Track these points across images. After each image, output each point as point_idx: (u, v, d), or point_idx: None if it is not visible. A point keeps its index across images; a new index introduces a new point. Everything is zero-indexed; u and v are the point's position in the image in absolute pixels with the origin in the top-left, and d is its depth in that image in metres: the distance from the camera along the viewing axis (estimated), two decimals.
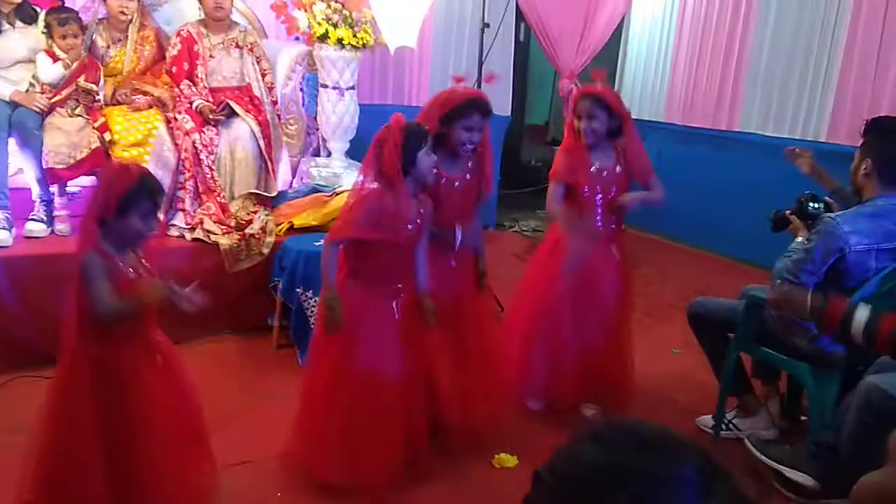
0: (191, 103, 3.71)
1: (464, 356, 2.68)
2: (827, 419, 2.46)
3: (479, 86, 4.24)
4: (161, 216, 3.58)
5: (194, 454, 2.17)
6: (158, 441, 2.03)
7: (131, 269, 2.02)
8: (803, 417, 2.89)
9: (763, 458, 2.53)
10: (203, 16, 3.87)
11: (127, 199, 1.93)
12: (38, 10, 3.66)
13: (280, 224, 3.74)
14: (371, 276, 2.40)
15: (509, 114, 6.01)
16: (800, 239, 2.56)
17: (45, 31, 3.54)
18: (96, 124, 3.51)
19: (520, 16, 5.73)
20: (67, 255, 3.27)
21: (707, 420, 2.92)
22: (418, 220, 2.42)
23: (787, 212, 2.71)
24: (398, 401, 2.40)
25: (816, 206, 2.66)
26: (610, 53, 6.09)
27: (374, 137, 2.37)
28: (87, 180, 3.64)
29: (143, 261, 2.09)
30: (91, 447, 1.97)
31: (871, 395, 2.17)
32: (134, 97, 3.73)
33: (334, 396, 2.38)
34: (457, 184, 2.66)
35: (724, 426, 2.84)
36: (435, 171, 2.52)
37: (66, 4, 3.73)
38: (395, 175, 2.29)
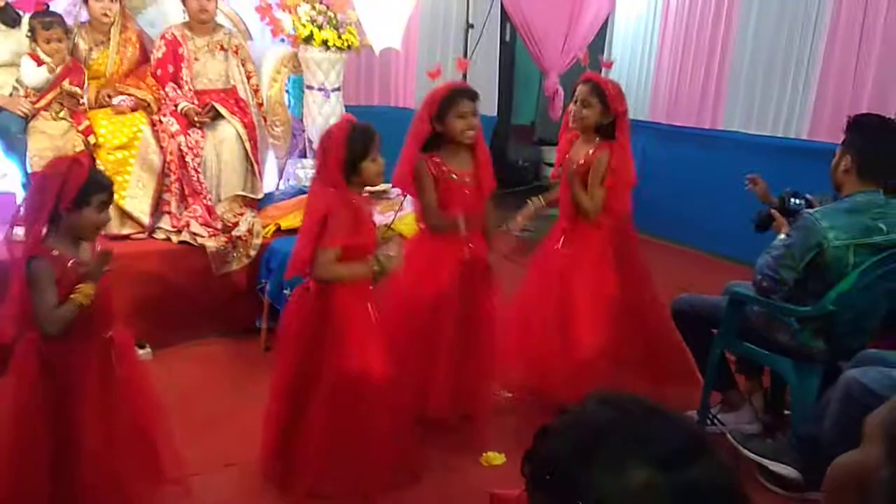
0: (176, 106, 3.71)
1: (470, 351, 2.72)
2: (809, 412, 2.49)
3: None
4: (147, 219, 3.59)
5: (151, 459, 2.15)
6: (103, 443, 2.00)
7: (81, 266, 1.98)
8: (786, 412, 2.93)
9: (745, 451, 2.56)
10: (187, 18, 3.86)
11: (85, 189, 1.92)
12: (20, 13, 3.65)
13: (267, 226, 3.74)
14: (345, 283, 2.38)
15: (495, 114, 6.04)
16: (782, 235, 2.59)
17: (29, 34, 3.54)
18: (81, 127, 3.50)
19: (505, 16, 5.76)
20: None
21: (692, 415, 2.93)
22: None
23: (770, 210, 2.75)
24: (382, 402, 2.38)
25: (797, 202, 2.70)
26: (594, 53, 6.11)
27: (319, 142, 2.38)
28: None
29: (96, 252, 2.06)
30: (39, 444, 1.96)
31: (850, 390, 2.20)
32: (118, 98, 3.72)
33: (317, 402, 2.34)
34: (467, 180, 2.71)
35: (708, 421, 2.87)
36: (445, 168, 2.64)
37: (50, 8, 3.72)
38: (338, 184, 2.29)
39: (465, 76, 3.33)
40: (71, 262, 1.96)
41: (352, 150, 2.28)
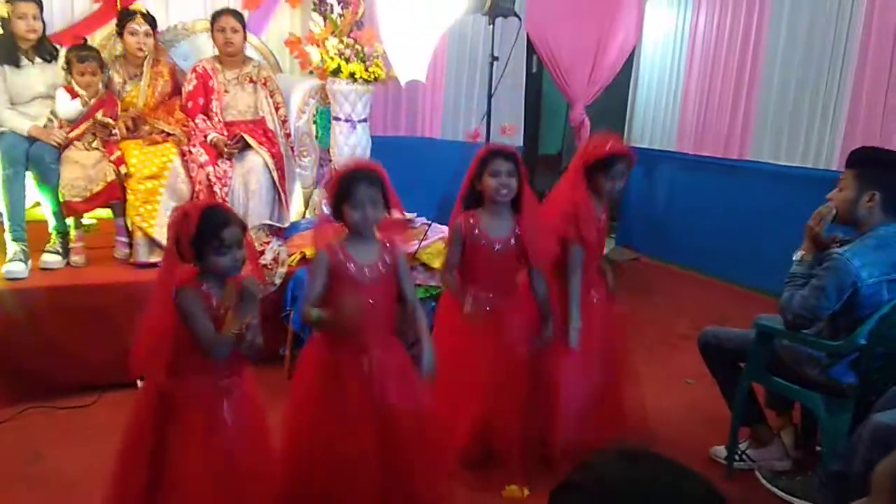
0: (205, 137, 3.78)
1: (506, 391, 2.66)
2: (840, 448, 2.42)
3: (489, 119, 4.30)
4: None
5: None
6: (192, 484, 1.98)
7: (222, 308, 2.01)
8: (819, 448, 2.85)
9: (774, 489, 2.50)
10: (218, 52, 3.96)
11: (196, 243, 1.93)
12: (57, 47, 3.75)
13: (292, 255, 3.77)
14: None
15: (521, 144, 6.07)
16: (799, 255, 2.55)
17: (65, 67, 3.64)
18: (112, 157, 3.57)
19: (531, 48, 5.79)
20: (83, 287, 3.35)
21: (720, 450, 2.88)
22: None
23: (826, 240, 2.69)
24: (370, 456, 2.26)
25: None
26: (621, 84, 6.13)
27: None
28: (102, 212, 3.70)
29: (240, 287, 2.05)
30: (139, 477, 1.97)
31: (880, 434, 2.10)
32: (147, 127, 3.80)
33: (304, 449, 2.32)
34: (497, 247, 2.62)
35: (737, 457, 2.81)
36: (477, 230, 2.60)
37: (87, 42, 3.82)
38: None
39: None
40: (215, 300, 1.99)
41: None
